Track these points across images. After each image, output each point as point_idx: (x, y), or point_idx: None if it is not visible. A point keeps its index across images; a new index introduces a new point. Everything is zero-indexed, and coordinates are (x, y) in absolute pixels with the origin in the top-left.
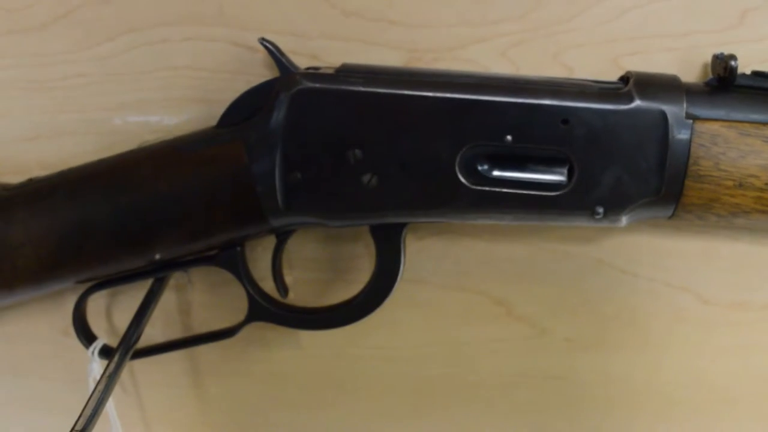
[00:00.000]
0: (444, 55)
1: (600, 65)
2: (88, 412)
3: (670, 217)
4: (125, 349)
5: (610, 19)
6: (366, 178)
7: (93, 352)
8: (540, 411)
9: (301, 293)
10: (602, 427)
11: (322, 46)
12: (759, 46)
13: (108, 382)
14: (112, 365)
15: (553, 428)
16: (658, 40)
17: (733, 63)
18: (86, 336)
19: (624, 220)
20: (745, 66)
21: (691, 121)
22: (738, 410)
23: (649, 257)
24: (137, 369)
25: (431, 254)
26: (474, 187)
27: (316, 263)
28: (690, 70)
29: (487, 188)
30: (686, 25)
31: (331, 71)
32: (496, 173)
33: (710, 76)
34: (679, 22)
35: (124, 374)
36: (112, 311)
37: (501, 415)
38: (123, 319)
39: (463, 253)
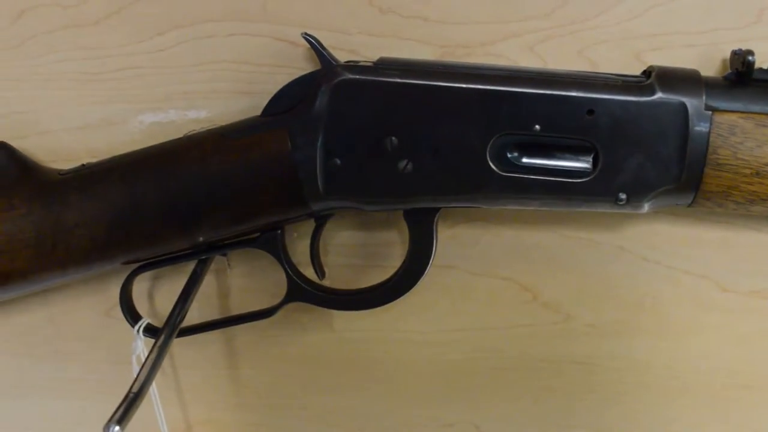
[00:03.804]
0: (475, 51)
1: (623, 60)
2: (142, 376)
3: (690, 205)
4: (173, 324)
5: (633, 17)
6: (402, 164)
7: (138, 331)
8: (563, 395)
9: (336, 278)
10: (623, 412)
11: (360, 42)
12: None
13: (159, 352)
14: (162, 337)
15: (576, 412)
16: (679, 37)
17: (750, 58)
18: (132, 315)
19: (646, 206)
20: (762, 62)
21: (710, 112)
22: (758, 396)
23: (670, 245)
24: (175, 351)
25: (461, 241)
26: (504, 173)
27: (351, 249)
28: (710, 65)
29: (516, 175)
30: (706, 22)
31: (369, 64)
32: (525, 160)
33: (729, 70)
34: (699, 20)
35: None
36: (153, 295)
37: (526, 399)
38: (164, 302)
39: (492, 241)
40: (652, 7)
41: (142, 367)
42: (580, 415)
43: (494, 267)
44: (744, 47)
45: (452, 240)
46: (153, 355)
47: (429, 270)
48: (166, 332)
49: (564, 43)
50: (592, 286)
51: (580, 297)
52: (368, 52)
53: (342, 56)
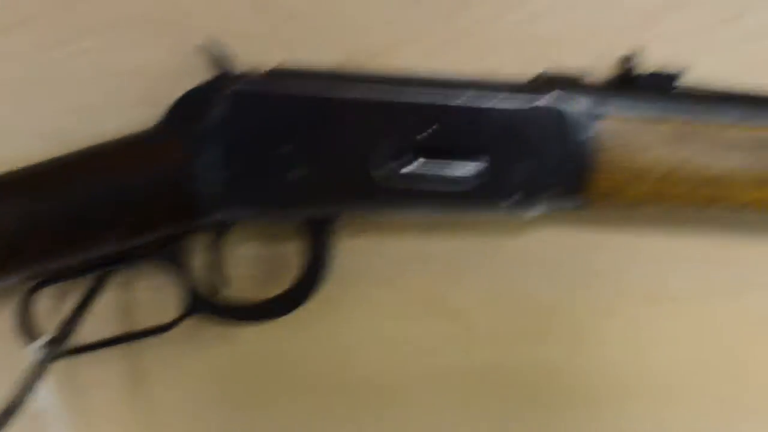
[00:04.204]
0: (377, 56)
1: (520, 66)
2: (14, 393)
3: (580, 208)
4: (58, 343)
5: (530, 21)
6: (294, 174)
7: (34, 350)
8: (472, 404)
9: (241, 290)
10: (532, 419)
11: (262, 50)
12: (671, 44)
13: (35, 370)
14: (44, 356)
15: (486, 421)
16: (578, 41)
17: (634, 62)
18: (30, 334)
19: (536, 210)
20: (659, 64)
21: (594, 117)
22: (668, 398)
23: (574, 250)
24: (83, 370)
25: (364, 251)
26: (391, 183)
27: (254, 260)
28: (606, 68)
29: (405, 185)
30: (602, 25)
31: (266, 72)
32: (413, 169)
33: (617, 74)
34: (597, 23)
35: (71, 375)
36: (59, 313)
37: (435, 410)
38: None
39: (396, 250)
40: (551, 11)
41: (21, 384)
42: (489, 424)
43: (398, 277)
44: (639, 50)
45: (355, 250)
46: (28, 373)
47: (327, 280)
48: (50, 351)
49: (462, 48)
50: (498, 293)
51: (486, 304)
52: (270, 60)
53: (244, 64)
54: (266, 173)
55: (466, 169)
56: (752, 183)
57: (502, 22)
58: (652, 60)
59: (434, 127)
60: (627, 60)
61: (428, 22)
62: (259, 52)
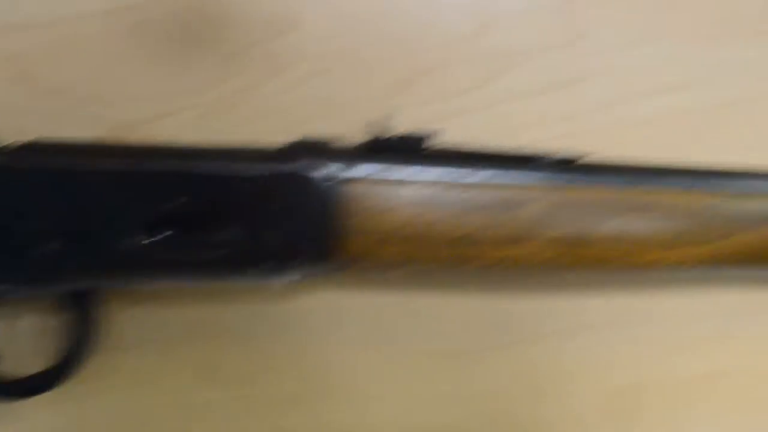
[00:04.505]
0: (139, 129)
1: (279, 134)
2: None
3: (334, 272)
4: None
5: (290, 90)
6: (45, 249)
7: None
8: None
9: (15, 365)
10: None
11: (22, 123)
12: (425, 108)
13: None
14: None
15: None
16: (334, 108)
17: (384, 127)
18: None
19: (290, 276)
20: (411, 128)
21: (340, 181)
22: None
23: (351, 313)
24: None
25: (135, 322)
26: (140, 255)
27: (28, 334)
28: (360, 135)
29: (154, 256)
30: (359, 92)
31: (11, 147)
32: (161, 239)
33: (365, 139)
34: (353, 90)
35: None
36: None
37: None
38: None
39: (169, 319)
40: (309, 79)
41: None
42: None
43: (171, 346)
44: (389, 115)
45: (126, 321)
46: None
47: (99, 351)
48: None
49: (225, 116)
50: (273, 357)
51: (260, 369)
52: (29, 133)
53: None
54: (17, 249)
55: (215, 237)
56: (498, 242)
57: (262, 91)
58: (406, 124)
59: (181, 196)
60: (376, 125)
61: (190, 92)
62: (18, 125)
